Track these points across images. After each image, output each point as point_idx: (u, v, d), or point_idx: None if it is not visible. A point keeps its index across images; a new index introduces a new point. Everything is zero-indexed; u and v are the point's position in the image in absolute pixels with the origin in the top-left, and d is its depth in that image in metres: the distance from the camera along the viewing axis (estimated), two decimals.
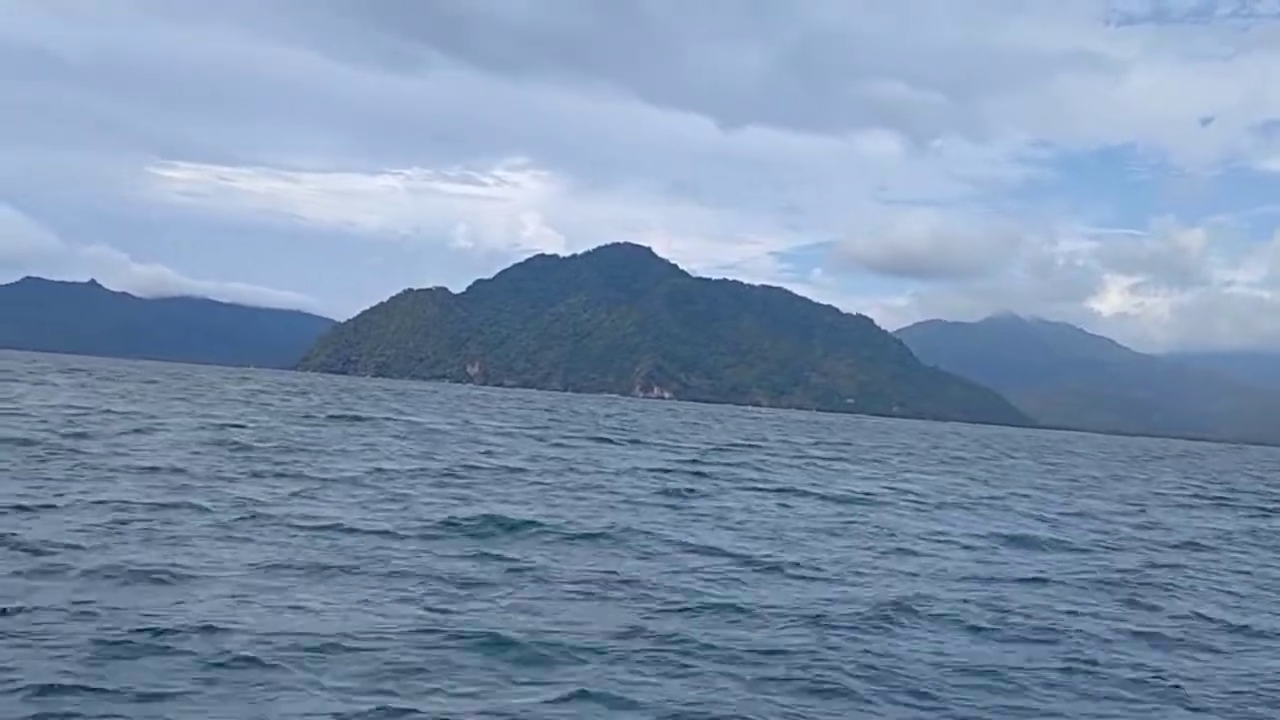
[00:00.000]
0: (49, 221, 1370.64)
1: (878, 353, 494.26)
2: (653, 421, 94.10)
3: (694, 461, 41.71)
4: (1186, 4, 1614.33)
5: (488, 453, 38.28)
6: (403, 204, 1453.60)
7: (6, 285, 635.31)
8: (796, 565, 17.83)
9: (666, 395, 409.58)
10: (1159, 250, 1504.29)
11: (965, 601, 15.83)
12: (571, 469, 33.73)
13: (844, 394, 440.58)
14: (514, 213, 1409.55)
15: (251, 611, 12.09)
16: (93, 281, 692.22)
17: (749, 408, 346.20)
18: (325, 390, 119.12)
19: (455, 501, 22.98)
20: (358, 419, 53.51)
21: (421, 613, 12.72)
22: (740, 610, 13.92)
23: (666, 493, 28.24)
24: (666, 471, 35.54)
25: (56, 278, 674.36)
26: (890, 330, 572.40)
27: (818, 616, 13.89)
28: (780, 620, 13.61)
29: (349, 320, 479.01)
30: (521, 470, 31.68)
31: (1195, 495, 46.71)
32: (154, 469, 24.42)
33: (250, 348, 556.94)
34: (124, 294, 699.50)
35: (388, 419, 56.21)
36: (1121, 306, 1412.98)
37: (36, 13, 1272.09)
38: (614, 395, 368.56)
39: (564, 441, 48.92)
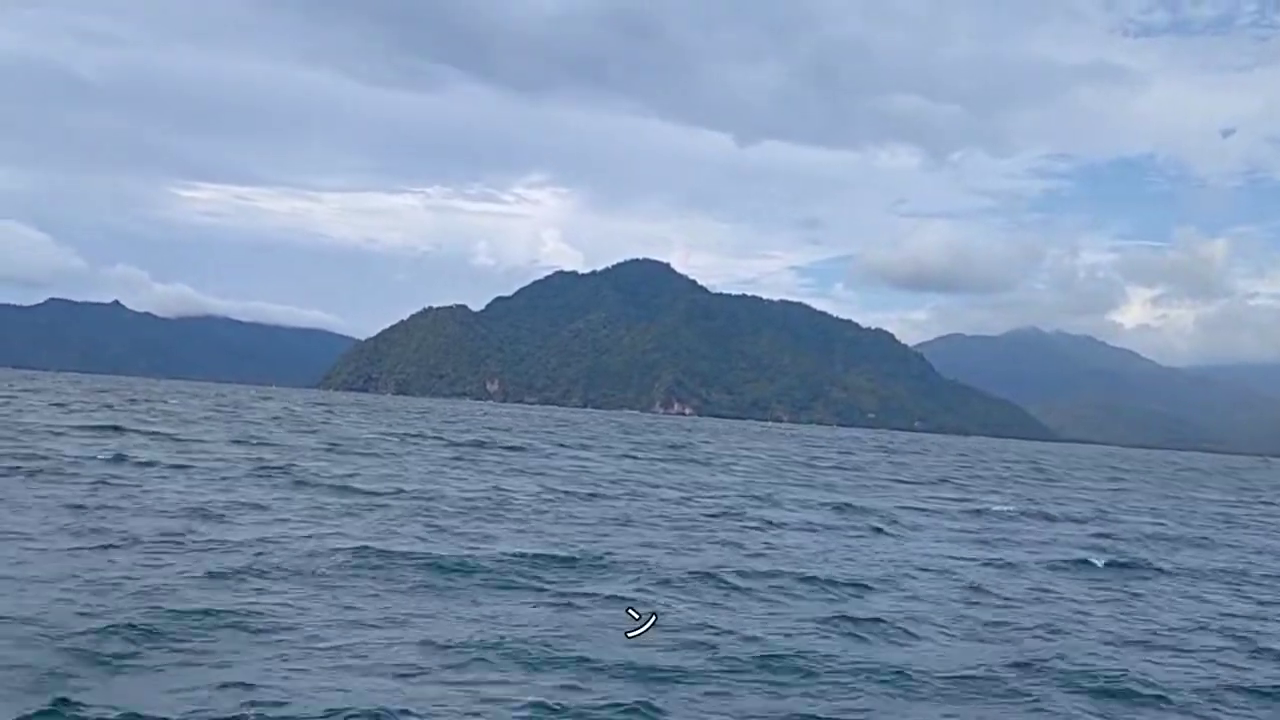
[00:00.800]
0: (73, 243, 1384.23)
1: (898, 367, 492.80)
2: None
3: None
4: (1206, 15, 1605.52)
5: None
6: (423, 222, 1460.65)
7: (32, 306, 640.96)
8: None
9: (687, 411, 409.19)
10: (1181, 262, 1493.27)
11: None
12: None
13: (865, 409, 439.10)
14: (533, 230, 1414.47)
15: None
16: (116, 302, 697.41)
17: (770, 424, 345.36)
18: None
19: None
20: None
21: None
22: None
23: None
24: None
25: (80, 298, 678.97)
26: (911, 344, 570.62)
27: None
28: None
29: (370, 338, 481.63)
30: None
31: None
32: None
33: (272, 366, 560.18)
34: (147, 314, 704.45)
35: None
36: (1144, 319, 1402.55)
37: (60, 34, 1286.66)
38: (635, 411, 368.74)
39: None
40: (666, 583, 17.25)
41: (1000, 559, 23.54)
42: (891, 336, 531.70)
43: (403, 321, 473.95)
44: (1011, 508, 38.64)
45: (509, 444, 59.07)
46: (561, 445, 63.08)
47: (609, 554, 19.56)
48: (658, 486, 36.99)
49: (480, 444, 56.85)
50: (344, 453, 42.67)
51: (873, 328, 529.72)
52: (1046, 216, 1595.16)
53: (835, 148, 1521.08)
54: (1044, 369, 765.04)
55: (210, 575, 15.24)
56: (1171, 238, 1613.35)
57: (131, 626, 12.03)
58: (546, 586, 16.41)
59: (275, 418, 74.17)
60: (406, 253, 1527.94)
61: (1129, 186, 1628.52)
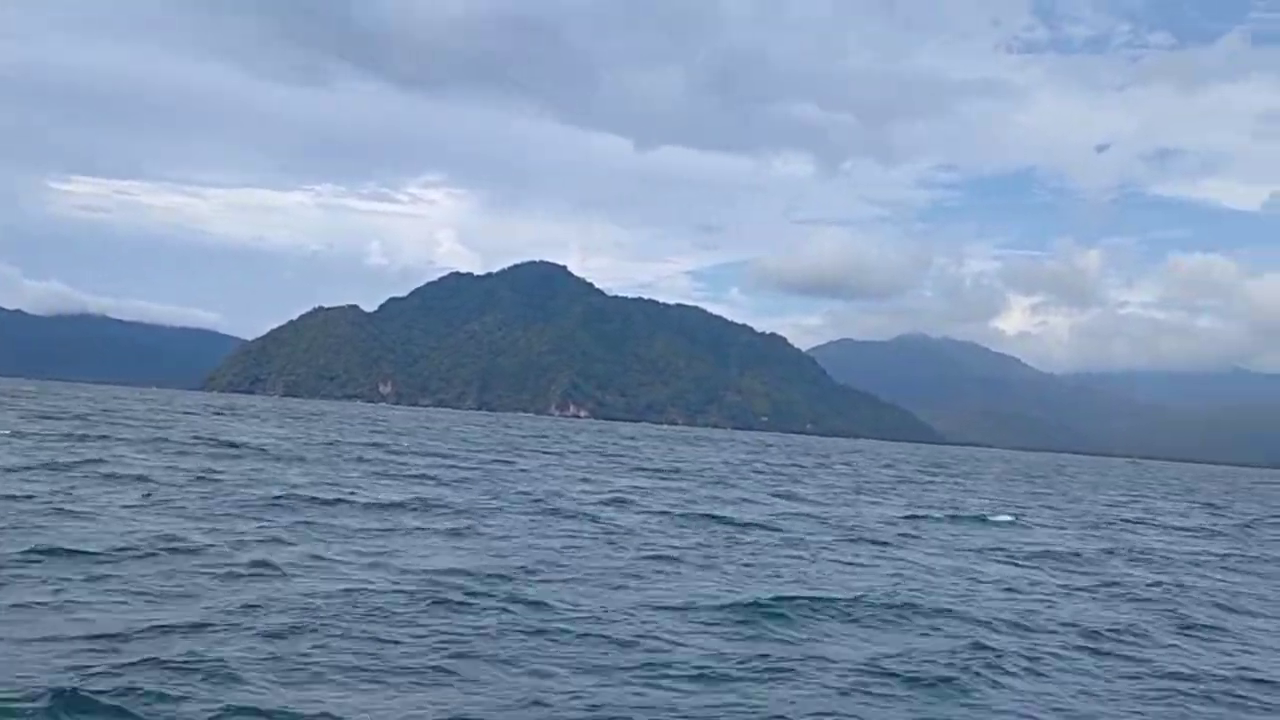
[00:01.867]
0: None
1: (792, 371, 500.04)
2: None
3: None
4: (1083, 34, 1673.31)
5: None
6: (314, 220, 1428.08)
7: None
8: None
9: (582, 414, 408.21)
10: (1058, 271, 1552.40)
11: None
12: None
13: (758, 412, 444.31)
14: (428, 230, 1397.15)
15: None
16: None
17: (665, 426, 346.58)
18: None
19: None
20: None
21: None
22: None
23: None
24: None
25: None
26: (804, 349, 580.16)
27: None
28: None
29: (257, 339, 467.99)
30: None
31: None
32: None
33: (152, 367, 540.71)
34: (18, 311, 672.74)
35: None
36: (1024, 326, 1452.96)
37: None
38: (530, 414, 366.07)
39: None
40: None
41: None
42: (785, 341, 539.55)
43: (292, 321, 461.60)
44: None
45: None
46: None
47: None
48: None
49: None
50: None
51: (767, 332, 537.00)
52: (934, 225, 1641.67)
53: (733, 154, 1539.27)
54: (931, 374, 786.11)
55: None
56: (1050, 248, 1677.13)
57: None
58: None
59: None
60: (296, 251, 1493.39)
61: (1011, 198, 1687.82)
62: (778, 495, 40.81)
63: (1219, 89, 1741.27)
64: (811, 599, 16.33)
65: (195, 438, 48.53)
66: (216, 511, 22.21)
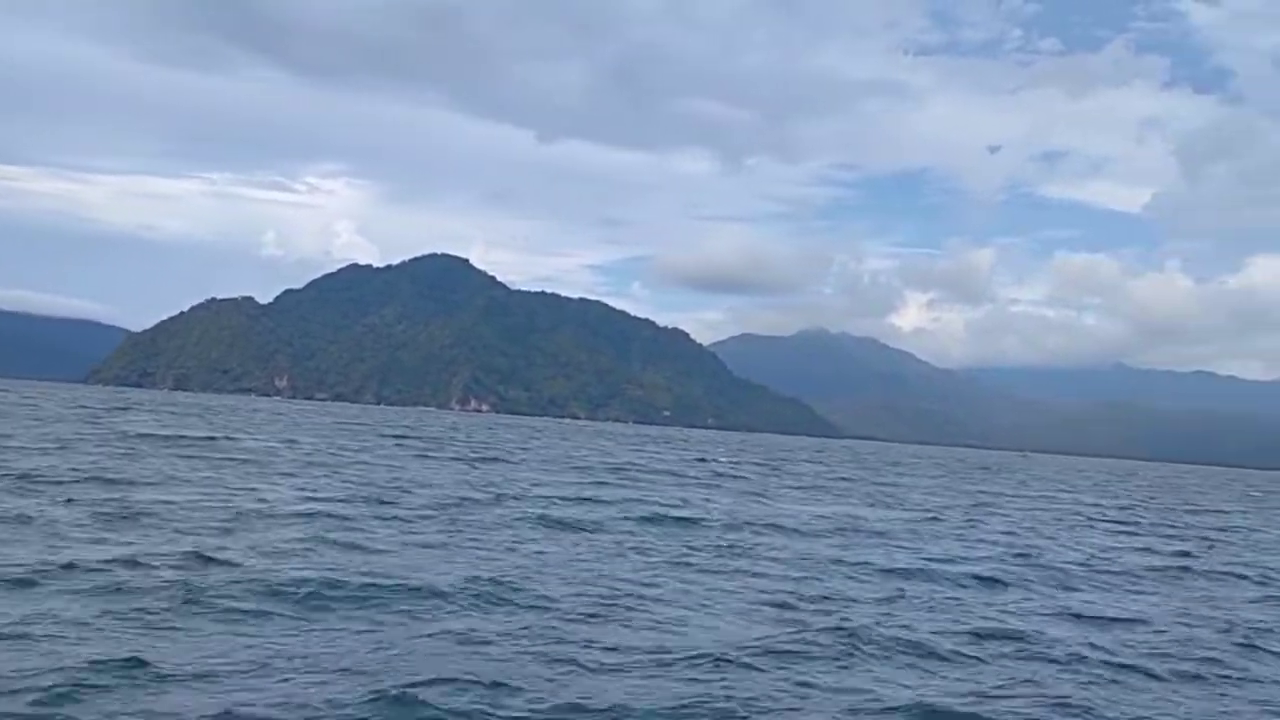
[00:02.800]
0: None
1: (693, 366, 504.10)
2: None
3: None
4: (976, 38, 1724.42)
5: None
6: (207, 209, 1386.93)
7: None
8: None
9: (484, 408, 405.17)
10: (952, 269, 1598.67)
11: None
12: None
13: (660, 406, 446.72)
14: (326, 221, 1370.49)
15: None
16: None
17: (567, 421, 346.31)
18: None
19: None
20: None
21: None
22: None
23: None
24: None
25: None
26: (705, 344, 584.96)
27: None
28: None
29: (146, 330, 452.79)
30: None
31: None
32: None
33: (33, 359, 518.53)
34: None
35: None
36: (920, 322, 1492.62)
37: None
38: (430, 409, 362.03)
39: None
40: None
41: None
42: (687, 335, 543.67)
43: (183, 313, 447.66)
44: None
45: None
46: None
47: None
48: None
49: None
50: None
51: (669, 327, 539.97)
52: (833, 223, 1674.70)
53: (635, 149, 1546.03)
54: (830, 369, 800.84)
55: None
56: (944, 246, 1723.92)
57: None
58: None
59: None
60: (187, 241, 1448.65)
61: (908, 197, 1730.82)
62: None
63: (1104, 94, 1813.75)
64: None
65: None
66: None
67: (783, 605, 15.74)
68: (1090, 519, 40.06)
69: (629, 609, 14.51)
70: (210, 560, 15.58)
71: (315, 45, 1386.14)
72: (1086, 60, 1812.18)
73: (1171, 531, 37.30)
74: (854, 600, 16.62)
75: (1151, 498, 67.17)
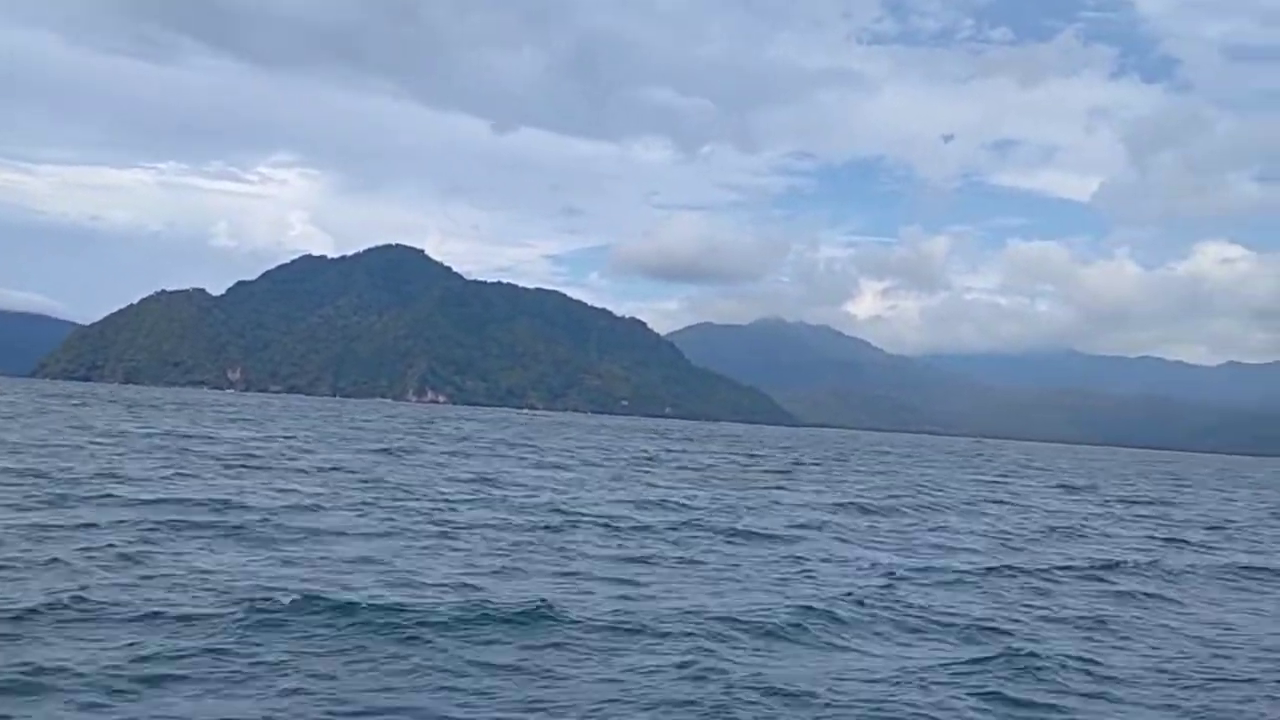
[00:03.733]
0: None
1: (650, 355, 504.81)
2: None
3: None
4: (929, 27, 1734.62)
5: None
6: (156, 200, 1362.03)
7: None
8: None
9: (441, 400, 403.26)
10: (907, 257, 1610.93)
11: None
12: None
13: (618, 396, 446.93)
14: (279, 212, 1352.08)
15: None
16: None
17: (525, 411, 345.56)
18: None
19: None
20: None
21: None
22: None
23: None
24: None
25: None
26: (663, 333, 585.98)
27: None
28: None
29: (94, 323, 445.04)
30: None
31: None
32: None
33: None
34: None
35: None
36: (875, 310, 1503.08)
37: None
38: (387, 400, 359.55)
39: None
40: None
41: None
42: (644, 325, 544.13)
43: (132, 305, 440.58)
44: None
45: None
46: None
47: None
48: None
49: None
50: None
51: (626, 316, 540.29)
52: (790, 212, 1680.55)
53: (592, 138, 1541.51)
54: (787, 357, 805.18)
55: None
56: (899, 234, 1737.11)
57: None
58: None
59: None
60: (136, 232, 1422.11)
61: (863, 185, 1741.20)
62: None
63: (1054, 83, 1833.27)
64: None
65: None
66: None
67: None
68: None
69: None
70: None
71: (266, 33, 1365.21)
72: (1037, 50, 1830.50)
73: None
74: None
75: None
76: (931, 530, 28.05)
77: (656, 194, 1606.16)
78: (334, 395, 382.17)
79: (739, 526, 25.29)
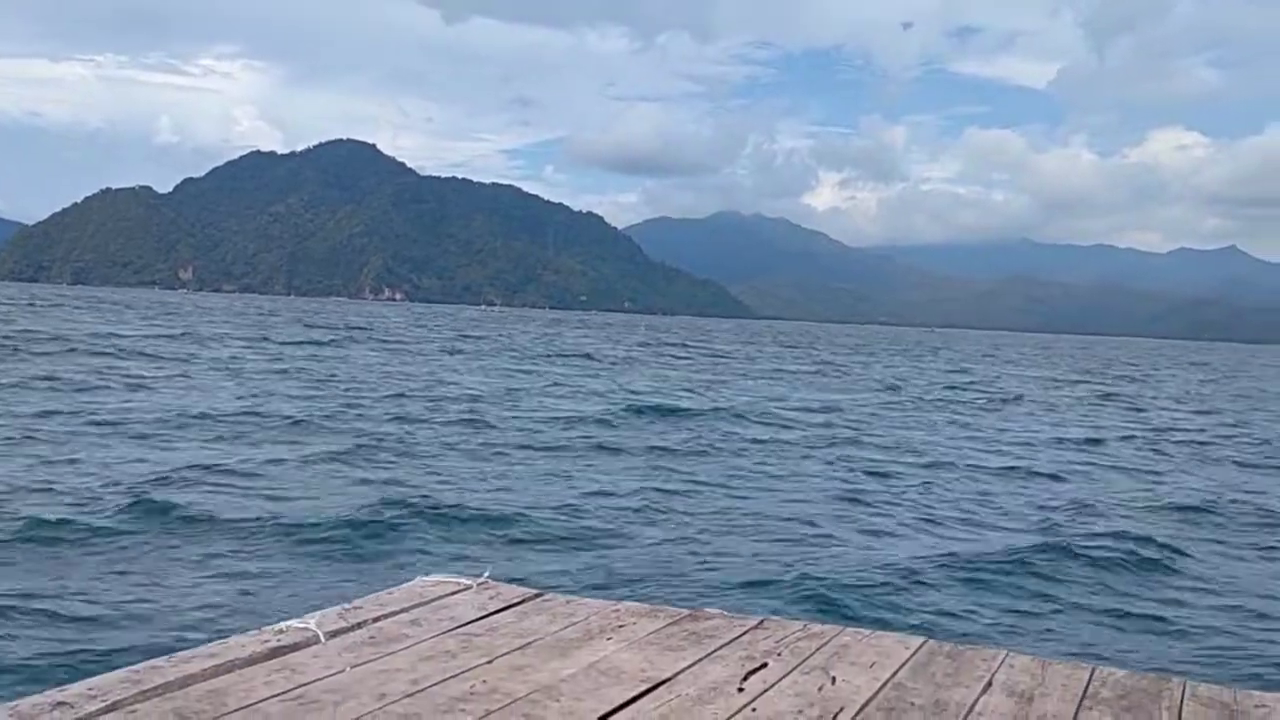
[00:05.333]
0: None
1: (609, 250, 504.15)
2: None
3: None
4: None
5: None
6: (95, 94, 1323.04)
7: None
8: None
9: (398, 297, 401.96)
10: (866, 147, 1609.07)
11: None
12: None
13: (576, 291, 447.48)
14: (225, 106, 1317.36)
15: None
16: None
17: (484, 307, 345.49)
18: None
19: None
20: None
21: None
22: None
23: None
24: None
25: None
26: (620, 227, 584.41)
27: None
28: None
29: (39, 223, 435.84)
30: None
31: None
32: None
33: None
34: None
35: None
36: (833, 201, 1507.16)
37: None
38: (343, 299, 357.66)
39: None
40: None
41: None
42: (602, 220, 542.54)
43: (76, 204, 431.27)
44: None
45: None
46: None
47: None
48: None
49: None
50: None
51: (584, 211, 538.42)
52: (748, 102, 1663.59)
53: (547, 26, 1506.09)
54: (744, 250, 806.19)
55: None
56: (858, 125, 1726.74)
57: None
58: None
59: None
60: (77, 129, 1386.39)
61: (822, 75, 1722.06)
62: None
63: None
64: None
65: None
66: None
67: None
68: None
69: None
70: None
71: None
72: None
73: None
74: None
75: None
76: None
77: (613, 85, 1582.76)
78: (289, 294, 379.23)
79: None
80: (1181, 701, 2.73)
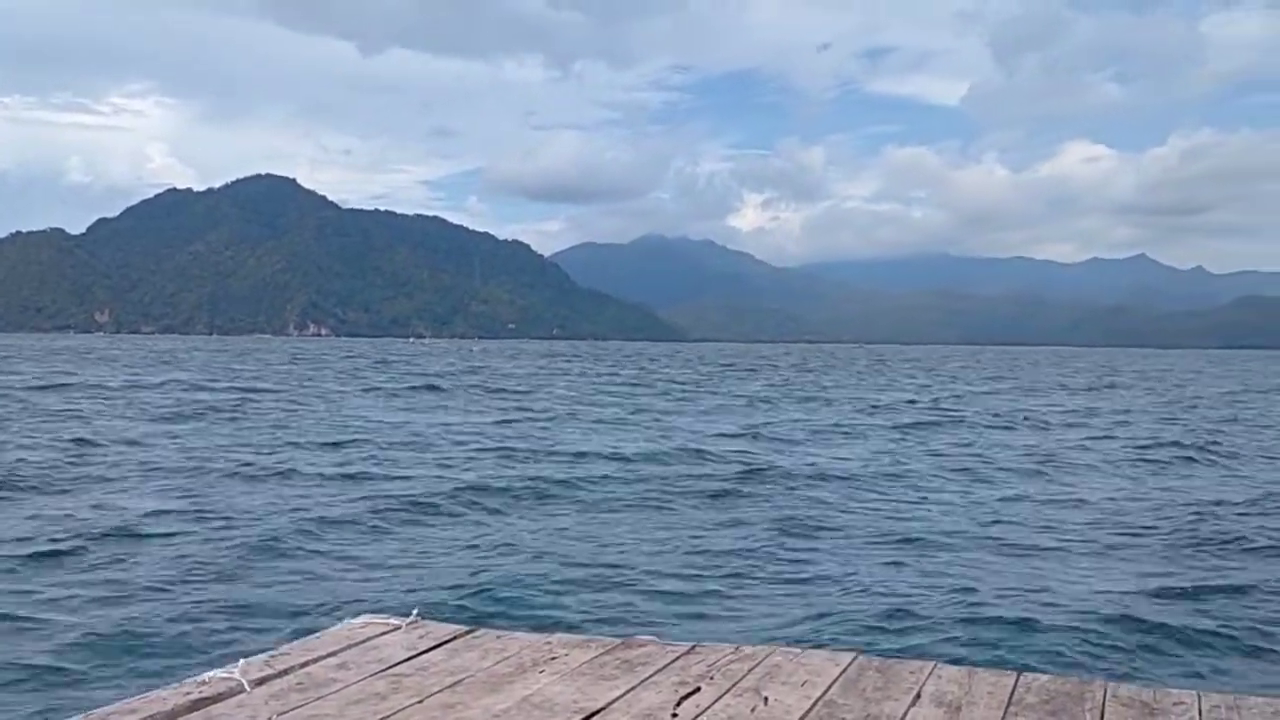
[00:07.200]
0: None
1: (536, 277, 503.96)
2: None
3: None
4: None
5: None
6: (3, 136, 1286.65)
7: None
8: None
9: (324, 332, 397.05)
10: (786, 168, 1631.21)
11: None
12: None
13: (505, 320, 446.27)
14: (137, 144, 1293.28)
15: None
16: None
17: (413, 340, 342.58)
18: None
19: None
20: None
21: None
22: None
23: None
24: None
25: None
26: (546, 254, 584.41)
27: None
28: None
29: None
30: None
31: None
32: None
33: None
34: None
35: None
36: (757, 222, 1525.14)
37: None
38: (267, 336, 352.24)
39: None
40: None
41: None
42: (528, 247, 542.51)
43: None
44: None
45: None
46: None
47: None
48: None
49: None
50: None
51: (509, 239, 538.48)
52: (668, 127, 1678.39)
53: (462, 56, 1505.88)
54: (671, 273, 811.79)
55: None
56: (777, 146, 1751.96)
57: None
58: None
59: None
60: None
61: (740, 97, 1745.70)
62: None
63: None
64: None
65: None
66: None
67: None
68: None
69: None
70: None
71: None
72: None
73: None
74: None
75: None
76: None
77: (533, 114, 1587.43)
78: (210, 333, 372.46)
79: None
80: (1104, 703, 2.80)
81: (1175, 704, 2.86)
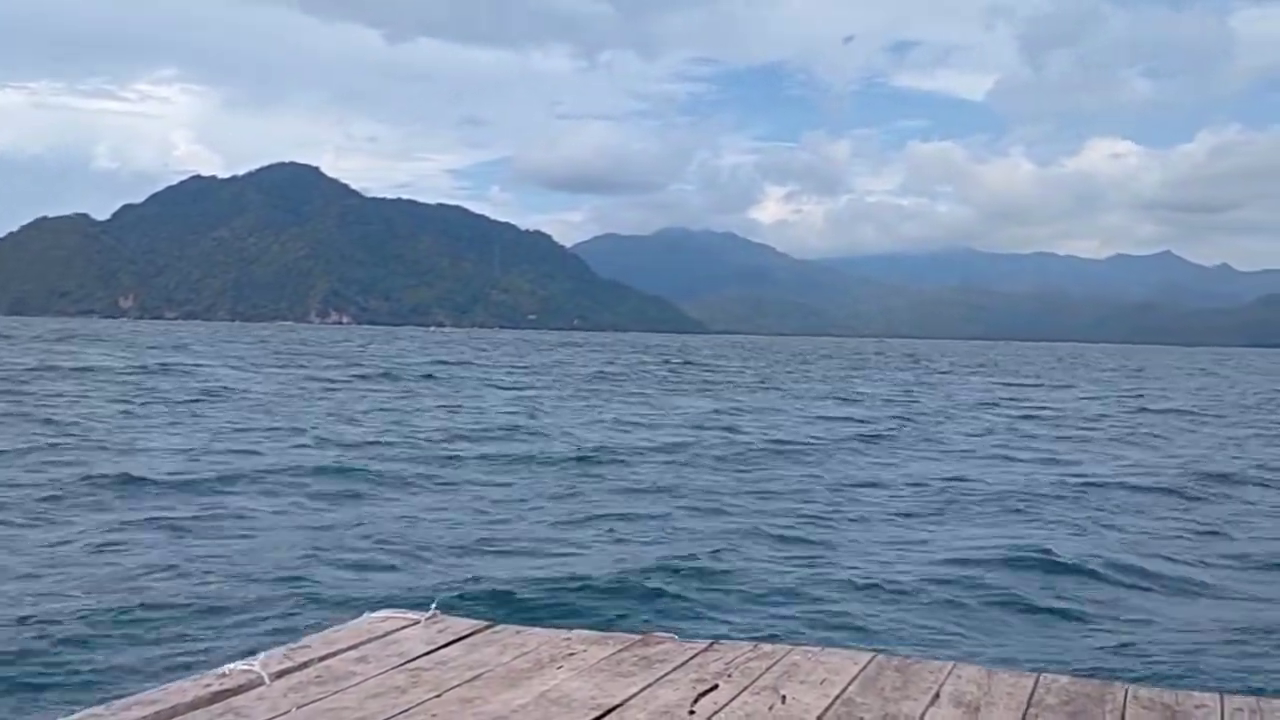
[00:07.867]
0: None
1: (557, 268, 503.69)
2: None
3: None
4: None
5: None
6: (29, 121, 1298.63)
7: None
8: None
9: (345, 320, 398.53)
10: (810, 161, 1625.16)
11: None
12: None
13: (525, 310, 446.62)
14: (163, 130, 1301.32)
15: None
16: None
17: (432, 329, 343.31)
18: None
19: None
20: None
21: None
22: None
23: None
24: None
25: None
26: (568, 245, 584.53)
27: None
28: None
29: None
30: None
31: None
32: None
33: None
34: None
35: None
36: (780, 215, 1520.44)
37: None
38: (289, 323, 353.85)
39: None
40: None
41: None
42: (550, 238, 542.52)
43: (12, 233, 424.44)
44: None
45: None
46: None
47: None
48: None
49: None
50: None
51: (531, 229, 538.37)
52: (693, 119, 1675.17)
53: (490, 46, 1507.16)
54: (692, 266, 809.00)
55: None
56: (802, 139, 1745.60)
57: None
58: None
59: None
60: (14, 156, 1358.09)
61: (766, 90, 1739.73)
62: None
63: None
64: None
65: None
66: None
67: None
68: None
69: None
70: None
71: None
72: None
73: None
74: None
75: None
76: None
77: (560, 104, 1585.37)
78: (233, 320, 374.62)
79: None
80: (1124, 705, 2.77)
81: (1197, 706, 2.82)
